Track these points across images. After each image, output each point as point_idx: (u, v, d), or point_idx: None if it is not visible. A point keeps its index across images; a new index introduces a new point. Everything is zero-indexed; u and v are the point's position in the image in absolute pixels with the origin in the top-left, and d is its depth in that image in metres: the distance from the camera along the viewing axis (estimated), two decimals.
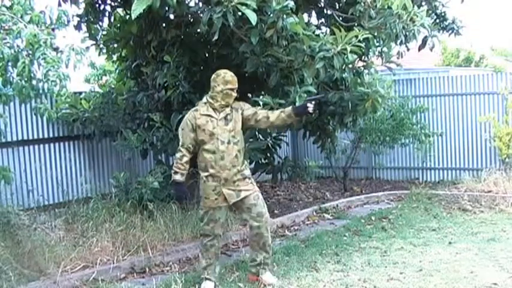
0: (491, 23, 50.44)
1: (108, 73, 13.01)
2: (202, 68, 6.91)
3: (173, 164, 4.84)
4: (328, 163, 9.95)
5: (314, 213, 7.91)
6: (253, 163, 7.12)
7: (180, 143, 4.76)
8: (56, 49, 4.55)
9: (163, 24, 6.59)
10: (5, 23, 4.44)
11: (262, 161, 7.28)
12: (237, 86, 4.73)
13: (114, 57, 7.87)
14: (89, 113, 7.11)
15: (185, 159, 4.72)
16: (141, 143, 6.70)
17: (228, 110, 4.74)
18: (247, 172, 4.85)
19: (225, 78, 4.69)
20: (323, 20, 7.20)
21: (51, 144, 7.21)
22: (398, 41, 5.84)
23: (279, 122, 4.80)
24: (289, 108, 4.81)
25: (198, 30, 6.36)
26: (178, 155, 4.75)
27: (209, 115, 4.70)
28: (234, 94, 4.74)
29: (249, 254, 5.14)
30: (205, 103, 4.77)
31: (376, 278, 4.98)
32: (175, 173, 4.75)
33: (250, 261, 4.99)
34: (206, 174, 4.71)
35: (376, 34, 5.85)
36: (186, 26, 6.66)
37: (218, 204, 4.73)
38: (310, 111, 4.71)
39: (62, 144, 7.33)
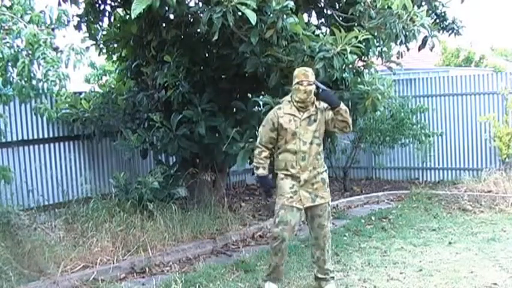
0: (491, 23, 50.49)
1: (108, 73, 13.01)
2: (202, 68, 6.90)
3: (253, 160, 4.69)
4: (328, 163, 9.93)
5: None
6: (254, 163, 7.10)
7: (258, 140, 4.66)
8: (55, 49, 4.53)
9: (163, 24, 6.59)
10: (5, 23, 4.42)
11: None
12: (304, 78, 4.43)
13: (114, 57, 7.86)
14: (89, 113, 7.11)
15: (264, 154, 4.61)
16: (141, 143, 6.69)
17: (312, 110, 4.54)
18: (327, 178, 4.67)
19: (294, 74, 4.53)
20: (323, 20, 7.20)
21: (51, 144, 7.21)
22: (398, 41, 5.84)
23: (338, 120, 4.55)
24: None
25: (198, 30, 6.35)
26: (256, 151, 4.65)
27: (292, 114, 4.53)
28: (303, 88, 4.43)
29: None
30: (289, 101, 4.60)
31: (376, 278, 4.98)
32: (257, 168, 4.63)
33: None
34: (285, 173, 4.56)
35: (376, 34, 5.85)
36: (186, 26, 6.65)
37: (292, 204, 4.48)
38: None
39: (62, 144, 7.32)
